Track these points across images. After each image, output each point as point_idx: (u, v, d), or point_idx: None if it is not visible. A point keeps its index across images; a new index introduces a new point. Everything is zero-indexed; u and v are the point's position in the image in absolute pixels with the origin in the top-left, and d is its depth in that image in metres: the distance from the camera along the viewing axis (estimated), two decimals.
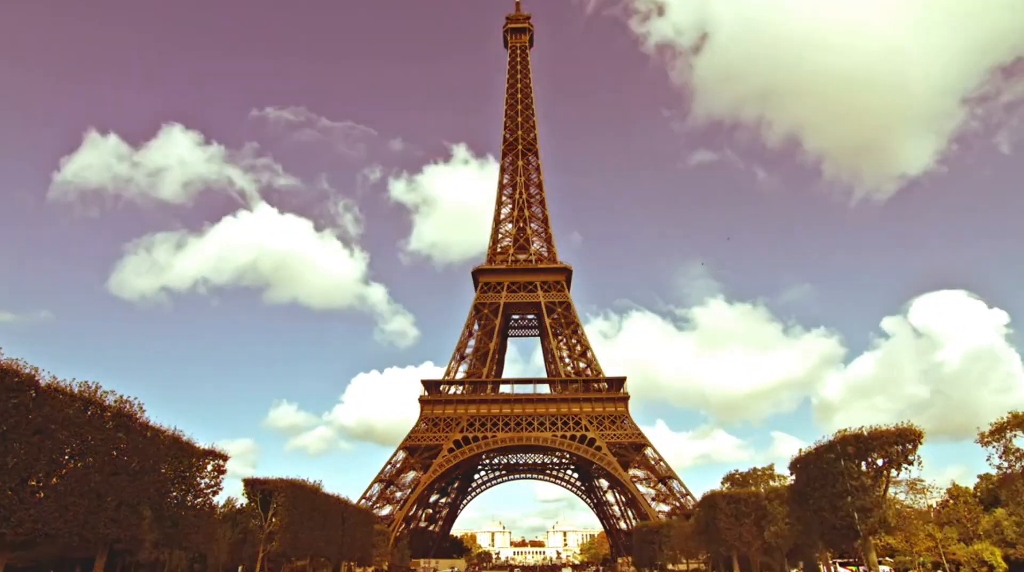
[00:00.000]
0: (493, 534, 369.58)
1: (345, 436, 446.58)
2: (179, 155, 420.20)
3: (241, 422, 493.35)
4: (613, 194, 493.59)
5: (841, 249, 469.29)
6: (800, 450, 47.42)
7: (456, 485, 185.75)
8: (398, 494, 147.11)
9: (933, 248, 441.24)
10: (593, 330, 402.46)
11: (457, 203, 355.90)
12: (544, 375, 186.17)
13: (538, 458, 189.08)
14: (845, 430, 42.50)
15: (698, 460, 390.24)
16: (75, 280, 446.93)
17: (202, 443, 42.49)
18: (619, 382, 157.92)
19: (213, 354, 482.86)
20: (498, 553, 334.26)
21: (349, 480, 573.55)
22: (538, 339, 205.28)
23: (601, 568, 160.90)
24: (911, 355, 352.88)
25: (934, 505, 65.94)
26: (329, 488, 66.59)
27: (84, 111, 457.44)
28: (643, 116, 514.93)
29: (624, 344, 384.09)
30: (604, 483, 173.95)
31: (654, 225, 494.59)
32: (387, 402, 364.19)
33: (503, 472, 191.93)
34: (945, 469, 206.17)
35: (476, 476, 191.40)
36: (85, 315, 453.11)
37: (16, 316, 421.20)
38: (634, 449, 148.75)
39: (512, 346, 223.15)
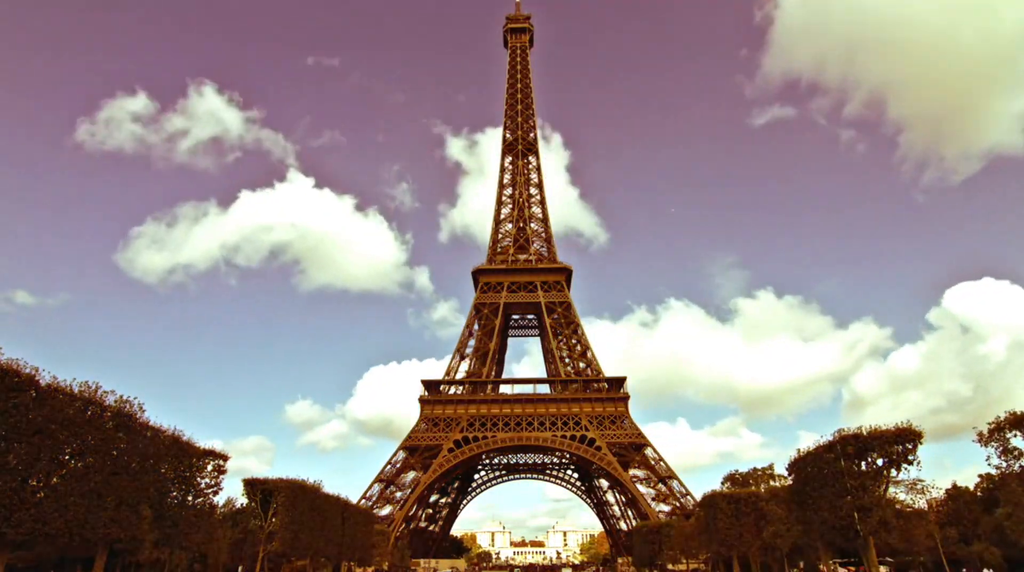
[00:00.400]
0: (493, 534, 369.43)
1: (362, 431, 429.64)
2: (211, 117, 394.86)
3: (258, 418, 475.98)
4: (667, 166, 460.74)
5: (904, 232, 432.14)
6: (799, 450, 47.43)
7: (456, 485, 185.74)
8: (398, 494, 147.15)
9: (992, 234, 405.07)
10: (633, 321, 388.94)
11: None
12: (544, 375, 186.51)
13: (538, 458, 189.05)
14: (844, 430, 42.50)
15: (717, 458, 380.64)
16: (95, 257, 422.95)
17: (203, 443, 42.57)
18: (619, 382, 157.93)
19: (234, 343, 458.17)
20: (498, 553, 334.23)
21: (363, 477, 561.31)
22: (541, 339, 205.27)
23: (601, 568, 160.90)
24: (955, 347, 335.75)
25: (934, 505, 65.88)
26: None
27: (108, 67, 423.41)
28: (715, 61, 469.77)
29: (662, 335, 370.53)
30: (604, 483, 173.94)
31: (701, 206, 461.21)
32: (407, 396, 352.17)
33: (503, 472, 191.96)
34: (972, 468, 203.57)
35: (476, 476, 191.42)
36: (104, 298, 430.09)
37: (36, 299, 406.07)
38: (634, 449, 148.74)
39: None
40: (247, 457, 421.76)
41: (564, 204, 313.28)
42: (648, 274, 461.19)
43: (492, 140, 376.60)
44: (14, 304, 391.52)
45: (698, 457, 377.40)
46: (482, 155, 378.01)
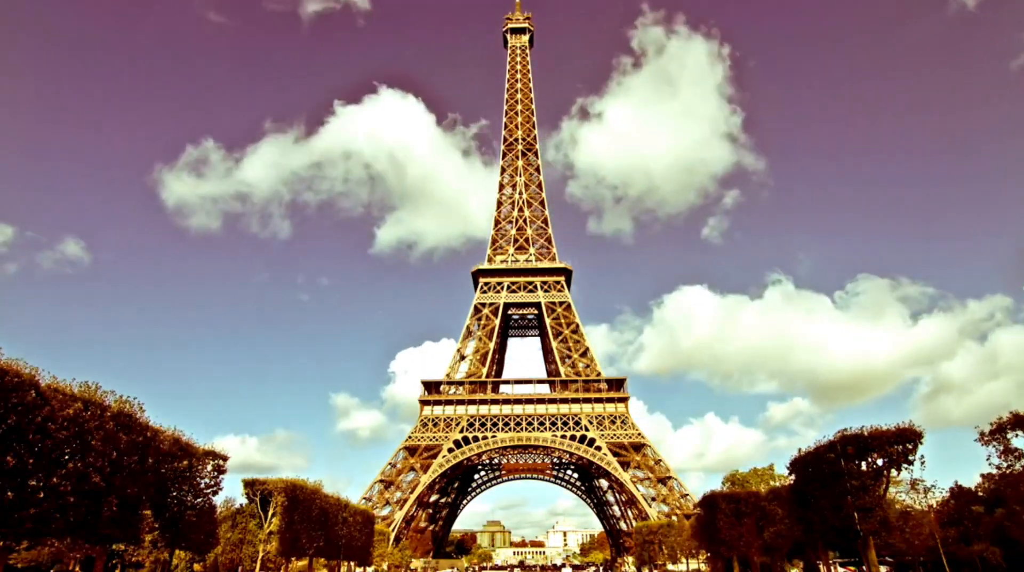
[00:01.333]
0: (493, 534, 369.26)
1: (401, 417, 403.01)
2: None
3: (298, 409, 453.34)
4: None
5: None
6: (800, 450, 47.46)
7: (456, 485, 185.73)
8: (398, 494, 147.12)
9: None
10: (736, 300, 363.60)
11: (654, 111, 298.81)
12: (544, 375, 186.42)
13: (538, 458, 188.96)
14: (845, 430, 42.54)
15: (772, 454, 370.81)
16: (140, 195, 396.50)
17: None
18: (619, 383, 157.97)
19: (268, 325, 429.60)
20: (498, 553, 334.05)
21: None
22: (541, 339, 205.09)
23: (601, 568, 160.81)
24: None
25: (935, 505, 65.79)
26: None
27: None
28: None
29: (761, 312, 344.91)
30: (604, 483, 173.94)
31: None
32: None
33: (503, 472, 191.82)
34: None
35: (476, 476, 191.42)
36: (158, 254, 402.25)
37: (87, 252, 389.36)
38: (634, 449, 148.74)
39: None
40: (281, 451, 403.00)
41: (733, 148, 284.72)
42: (755, 251, 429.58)
43: (692, 45, 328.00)
44: (60, 253, 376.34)
45: (750, 459, 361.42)
46: (670, 59, 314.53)
